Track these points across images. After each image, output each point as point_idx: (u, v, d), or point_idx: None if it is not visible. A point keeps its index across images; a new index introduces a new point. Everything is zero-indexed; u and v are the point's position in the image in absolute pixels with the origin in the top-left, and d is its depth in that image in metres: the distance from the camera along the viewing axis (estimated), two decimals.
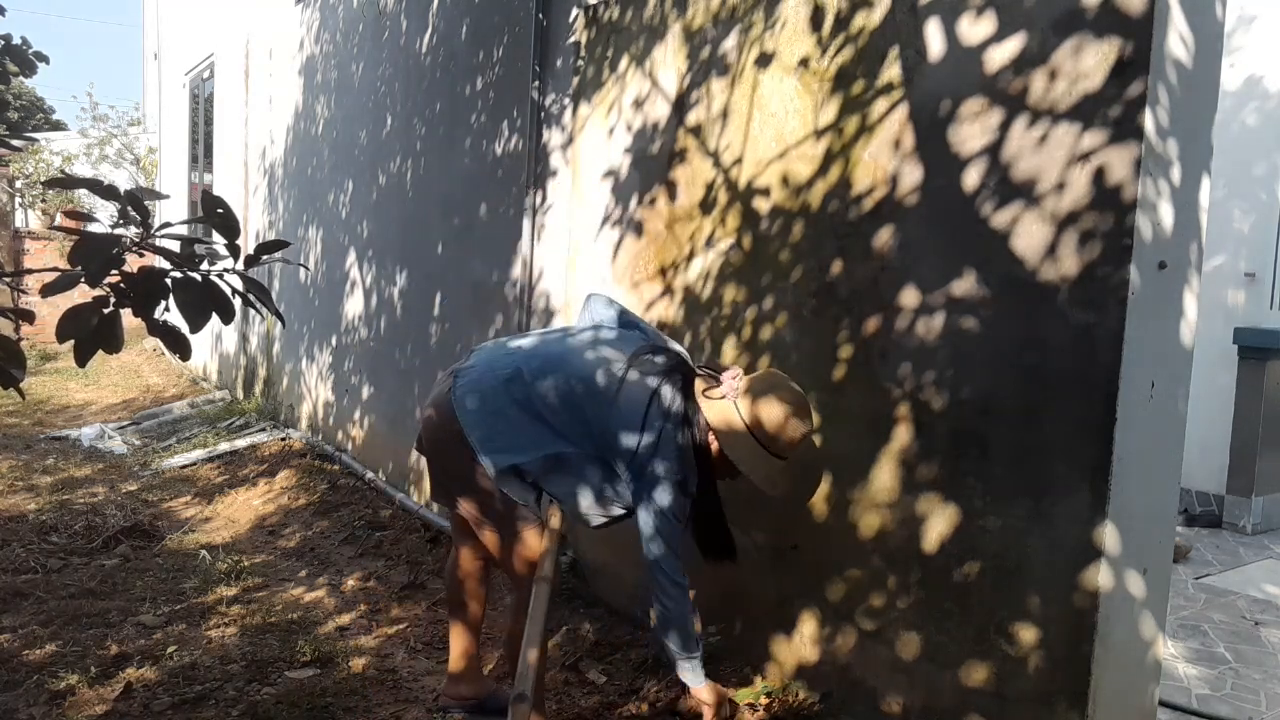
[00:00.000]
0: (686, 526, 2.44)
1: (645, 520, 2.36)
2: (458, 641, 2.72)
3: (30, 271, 1.99)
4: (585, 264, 3.61)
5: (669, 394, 2.41)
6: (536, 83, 3.92)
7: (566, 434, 2.40)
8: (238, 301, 1.82)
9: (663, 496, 2.35)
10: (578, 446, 2.40)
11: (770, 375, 2.47)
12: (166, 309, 1.76)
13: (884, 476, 2.48)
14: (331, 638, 3.30)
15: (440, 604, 3.51)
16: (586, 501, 2.45)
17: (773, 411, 2.36)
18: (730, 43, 2.98)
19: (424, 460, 2.89)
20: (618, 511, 2.49)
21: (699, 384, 2.44)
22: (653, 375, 2.43)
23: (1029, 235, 2.16)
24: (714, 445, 2.42)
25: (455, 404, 2.44)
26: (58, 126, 25.26)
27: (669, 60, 3.23)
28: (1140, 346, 2.03)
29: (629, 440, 2.36)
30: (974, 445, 2.27)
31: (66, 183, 1.80)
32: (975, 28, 2.27)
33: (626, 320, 2.67)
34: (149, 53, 14.34)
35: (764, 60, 2.86)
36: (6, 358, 1.68)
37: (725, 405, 2.39)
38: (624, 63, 3.44)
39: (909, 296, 2.41)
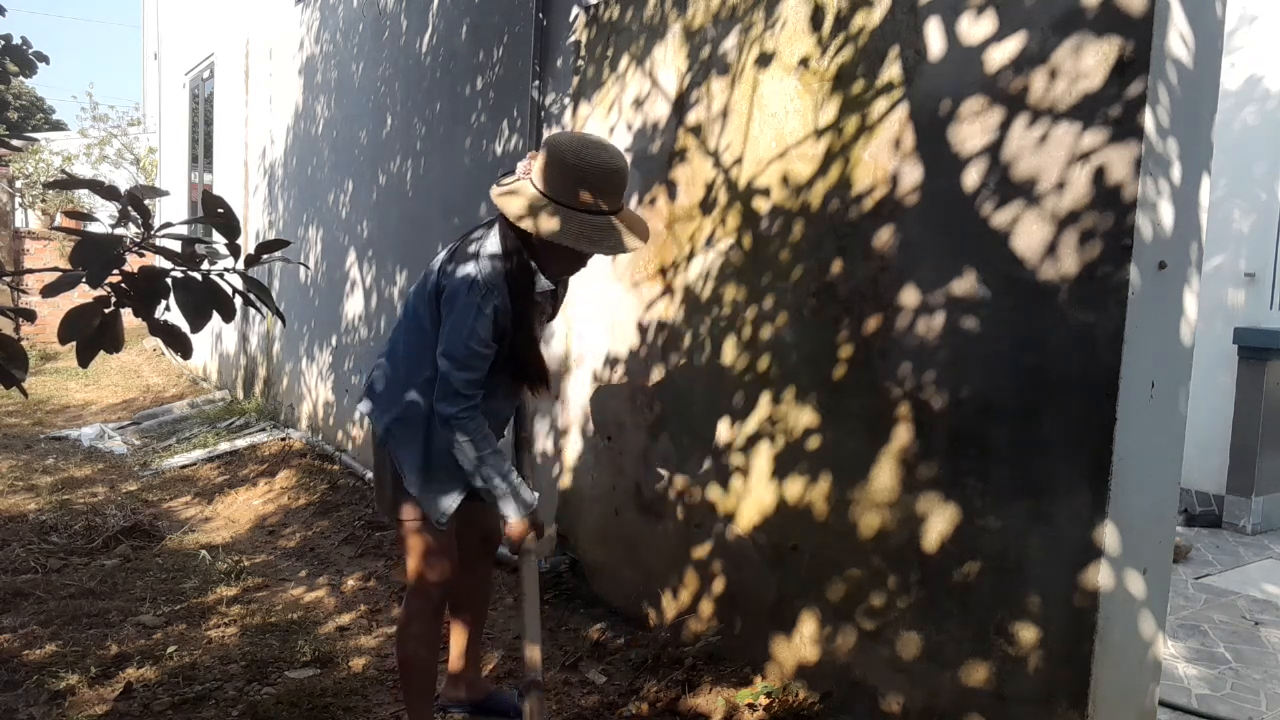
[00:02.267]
0: (491, 354, 2.21)
1: (441, 370, 2.18)
2: (459, 641, 2.72)
3: (30, 271, 1.99)
4: None
5: (464, 246, 2.24)
6: (537, 82, 3.92)
7: (420, 350, 2.26)
8: (238, 301, 1.82)
9: (452, 347, 2.15)
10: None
11: (552, 135, 2.22)
12: (167, 309, 1.77)
13: (884, 476, 2.48)
14: (331, 638, 3.30)
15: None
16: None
17: (551, 161, 2.09)
18: (730, 42, 2.98)
19: None
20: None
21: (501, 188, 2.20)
22: (459, 239, 2.29)
23: (1029, 235, 2.16)
24: (536, 245, 2.17)
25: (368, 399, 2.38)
26: (58, 126, 25.27)
27: (669, 60, 3.23)
28: (1140, 346, 2.03)
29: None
30: (974, 445, 2.27)
31: (67, 183, 1.80)
32: (975, 27, 2.27)
33: None
34: (149, 53, 14.34)
35: (764, 60, 2.86)
36: (8, 358, 1.68)
37: (520, 185, 2.15)
38: (624, 62, 3.45)
39: (909, 296, 2.41)
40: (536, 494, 2.35)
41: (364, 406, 2.41)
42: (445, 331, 2.17)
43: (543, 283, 2.26)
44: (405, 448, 2.30)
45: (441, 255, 2.33)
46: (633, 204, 3.38)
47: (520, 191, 2.14)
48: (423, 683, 2.43)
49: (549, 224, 2.07)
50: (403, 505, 2.33)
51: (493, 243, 2.21)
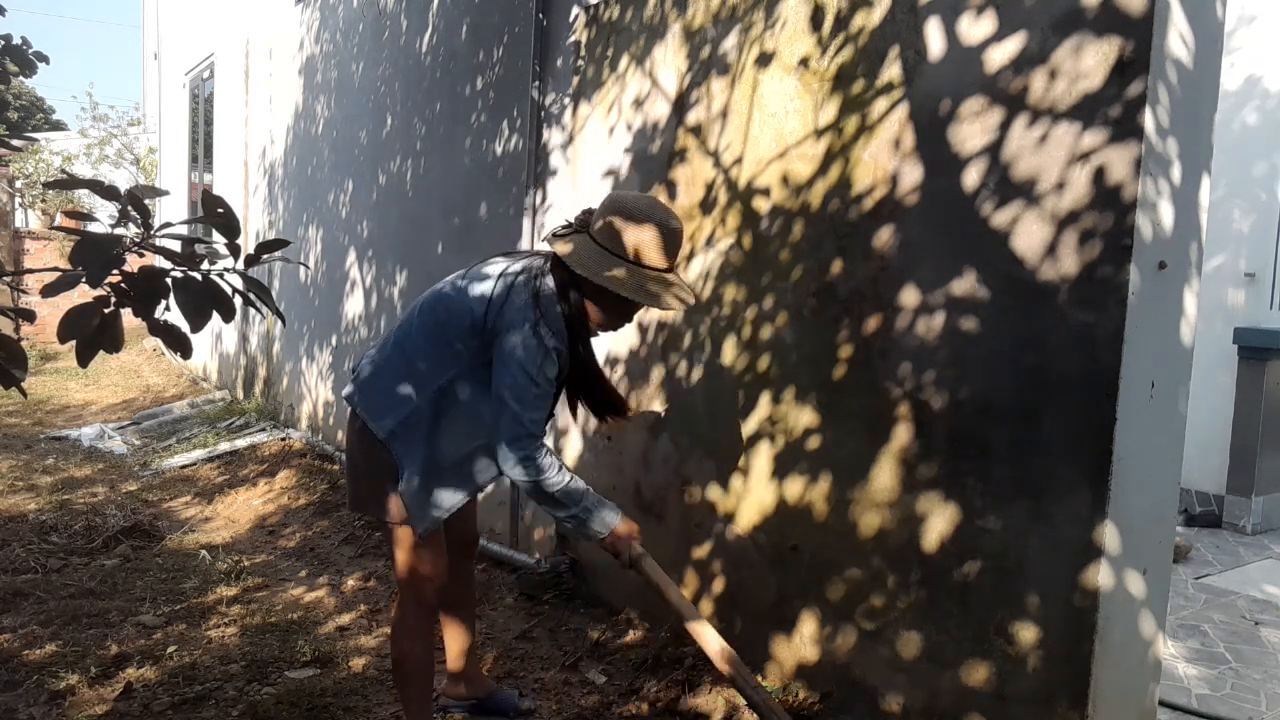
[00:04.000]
0: (554, 405, 2.29)
1: (504, 417, 2.18)
2: (455, 641, 2.73)
3: (30, 271, 1.99)
4: None
5: (519, 282, 2.25)
6: (536, 82, 3.92)
7: (442, 364, 2.26)
8: (238, 301, 1.82)
9: (522, 391, 2.17)
10: (455, 368, 2.26)
11: (618, 195, 2.29)
12: (167, 309, 1.76)
13: (884, 476, 2.48)
14: (331, 638, 3.30)
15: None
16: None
17: (621, 221, 2.18)
18: (730, 42, 2.98)
19: None
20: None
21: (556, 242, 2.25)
22: (505, 274, 2.29)
23: (1029, 235, 2.16)
24: (587, 297, 2.23)
25: (355, 392, 2.35)
26: (58, 126, 25.27)
27: (669, 60, 3.23)
28: (1140, 346, 2.03)
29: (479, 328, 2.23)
30: (974, 445, 2.27)
31: (67, 183, 1.80)
32: (975, 27, 2.27)
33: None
34: (149, 53, 14.33)
35: (764, 60, 2.86)
36: (8, 357, 1.68)
37: (578, 238, 2.21)
38: (624, 62, 3.45)
39: (909, 296, 2.41)
40: (618, 512, 2.33)
41: (349, 391, 2.37)
42: (510, 375, 2.16)
43: (590, 331, 2.32)
44: (408, 454, 2.28)
45: (490, 288, 2.28)
46: None
47: (580, 244, 2.20)
48: (419, 681, 2.43)
49: (612, 274, 2.15)
50: (390, 504, 2.31)
51: (548, 287, 2.23)
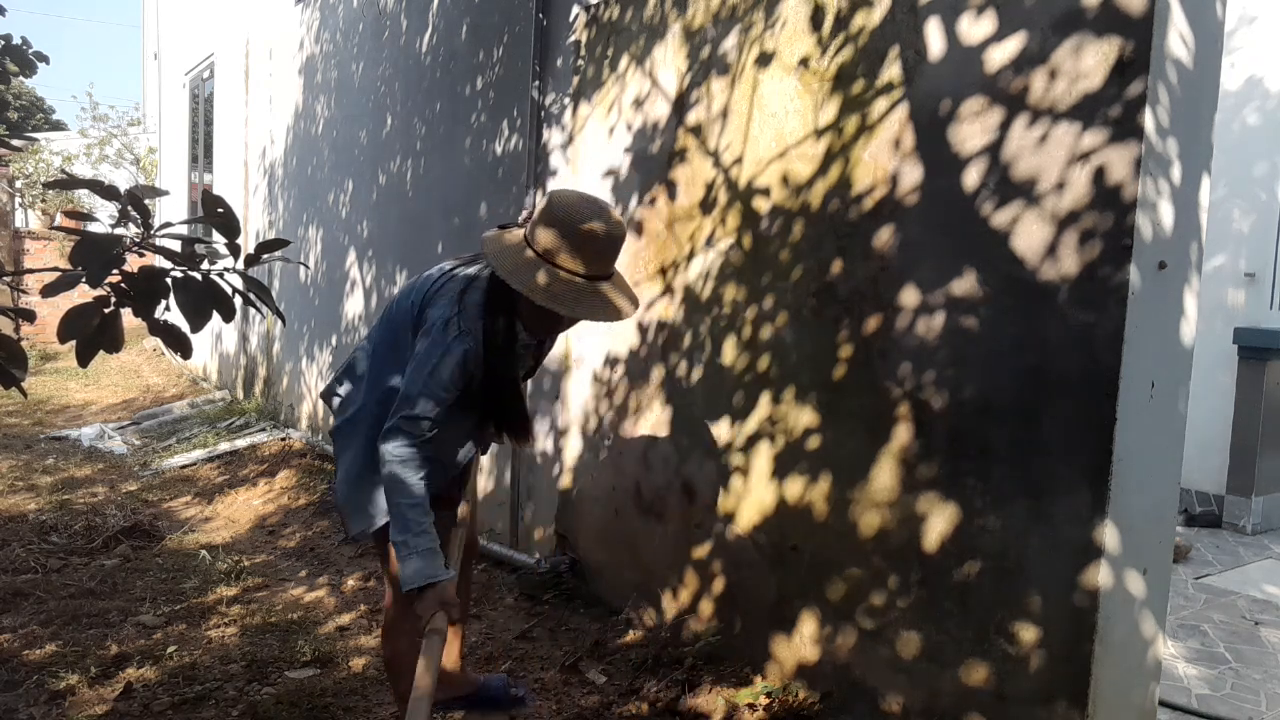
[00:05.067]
0: (453, 395, 2.11)
1: (400, 398, 2.09)
2: (451, 641, 2.74)
3: (30, 271, 1.99)
4: None
5: (453, 280, 2.18)
6: (536, 82, 3.92)
7: (390, 366, 2.22)
8: (238, 301, 1.82)
9: (411, 382, 2.07)
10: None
11: (554, 192, 2.13)
12: (167, 308, 1.77)
13: (884, 476, 2.48)
14: (331, 638, 3.30)
15: None
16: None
17: (547, 222, 2.03)
18: (730, 42, 2.98)
19: None
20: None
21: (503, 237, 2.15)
22: (447, 272, 2.24)
23: (1029, 235, 2.16)
24: (520, 300, 2.11)
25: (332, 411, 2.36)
26: (58, 126, 25.26)
27: (669, 60, 3.23)
28: (1140, 346, 2.03)
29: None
30: (974, 445, 2.27)
31: (67, 183, 1.80)
32: (975, 27, 2.27)
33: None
34: (149, 53, 14.33)
35: (764, 60, 2.86)
36: (8, 357, 1.69)
37: (513, 235, 2.11)
38: (624, 62, 3.45)
39: (909, 296, 2.41)
40: (452, 573, 2.10)
41: (330, 390, 2.38)
42: (412, 365, 2.09)
43: (523, 336, 2.22)
44: (345, 452, 2.25)
45: (432, 276, 2.27)
46: (633, 204, 3.39)
47: (511, 243, 2.10)
48: (410, 677, 2.44)
49: (531, 282, 2.01)
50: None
51: (478, 286, 2.15)
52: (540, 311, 2.09)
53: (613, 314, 2.08)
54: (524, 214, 2.20)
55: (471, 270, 2.21)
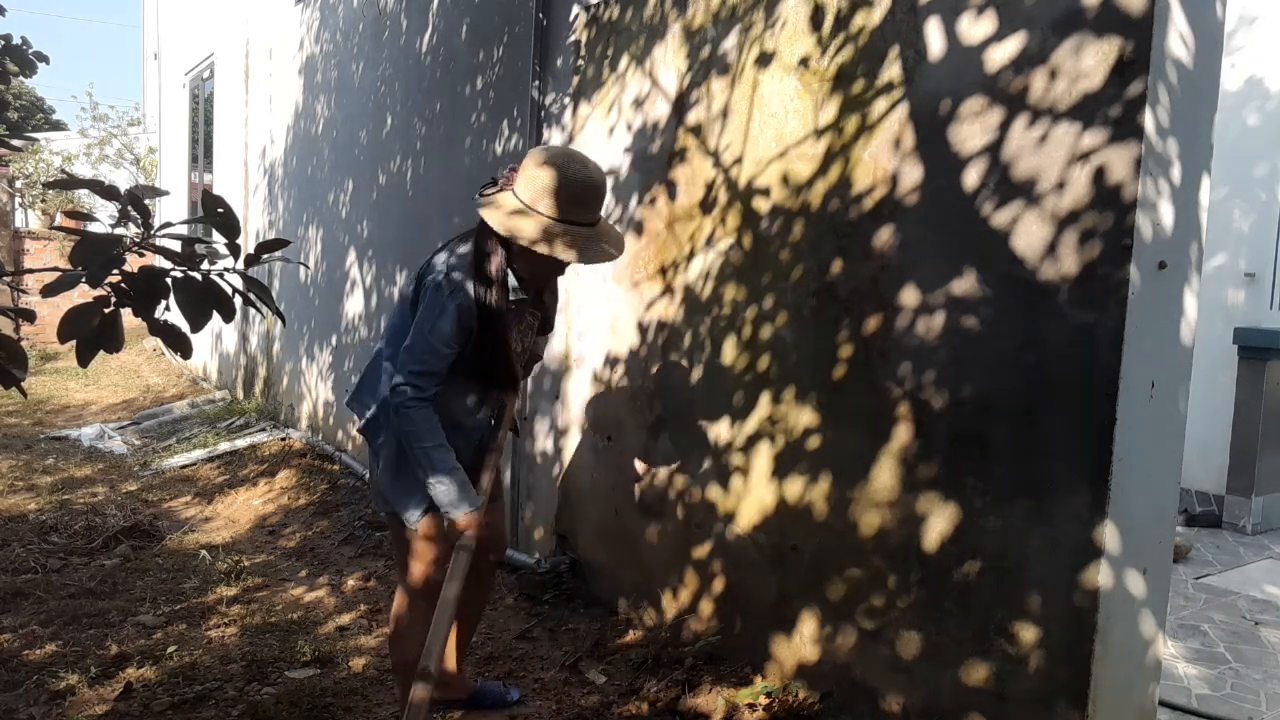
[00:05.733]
0: (453, 350, 2.25)
1: (398, 359, 2.24)
2: (452, 641, 2.74)
3: (30, 271, 1.99)
4: None
5: (446, 248, 2.32)
6: (536, 82, 3.92)
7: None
8: (238, 301, 1.82)
9: (413, 340, 2.22)
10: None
11: (535, 149, 2.28)
12: (167, 308, 1.76)
13: (884, 476, 2.48)
14: (331, 638, 3.30)
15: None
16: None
17: (533, 173, 2.18)
18: (730, 42, 2.98)
19: None
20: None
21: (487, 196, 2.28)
22: (442, 247, 2.36)
23: (1029, 235, 2.16)
24: (516, 253, 2.25)
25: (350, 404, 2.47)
26: (58, 126, 25.25)
27: (669, 60, 3.23)
28: (1140, 346, 2.04)
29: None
30: (974, 445, 2.27)
31: (67, 183, 1.80)
32: (975, 27, 2.27)
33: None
34: (149, 53, 14.33)
35: (764, 60, 2.86)
36: (8, 357, 1.68)
37: (501, 195, 2.24)
38: (624, 62, 3.45)
39: (909, 296, 2.41)
40: (481, 498, 2.30)
41: (349, 399, 2.49)
42: (413, 328, 2.22)
43: (517, 290, 2.32)
44: (381, 447, 2.35)
45: (424, 265, 2.38)
46: (633, 204, 3.39)
47: (500, 201, 2.21)
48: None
49: (526, 230, 2.15)
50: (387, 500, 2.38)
51: (467, 247, 2.27)
52: (534, 260, 2.23)
53: (600, 255, 2.22)
54: (502, 177, 2.32)
55: (455, 239, 2.34)
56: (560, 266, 2.31)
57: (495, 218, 2.18)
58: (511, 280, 2.30)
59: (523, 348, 2.46)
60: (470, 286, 2.22)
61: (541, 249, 2.15)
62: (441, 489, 2.20)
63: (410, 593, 2.42)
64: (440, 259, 2.28)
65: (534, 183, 2.17)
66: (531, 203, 2.17)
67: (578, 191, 2.18)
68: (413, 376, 2.19)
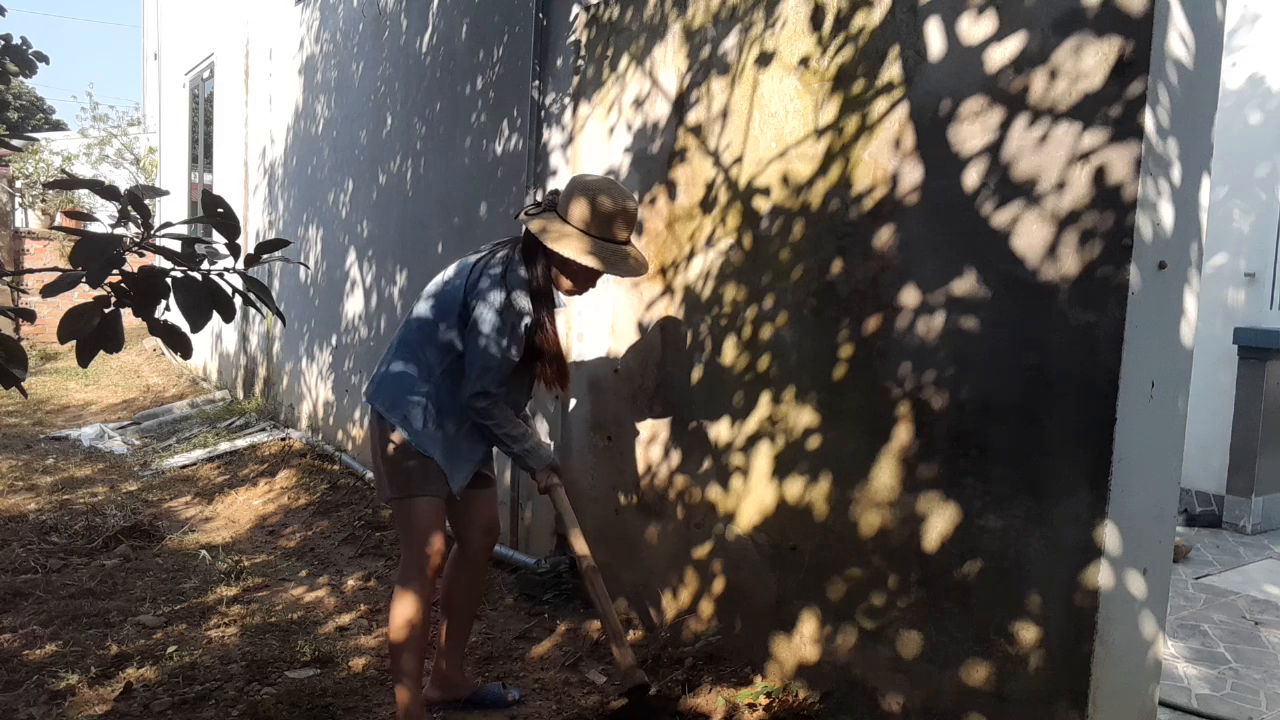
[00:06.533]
0: (515, 363, 2.53)
1: (470, 374, 2.49)
2: (450, 635, 2.76)
3: (30, 271, 1.99)
4: None
5: (493, 261, 2.55)
6: (536, 82, 3.92)
7: (441, 352, 2.55)
8: (238, 301, 1.82)
9: (488, 360, 2.46)
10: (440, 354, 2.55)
11: (579, 177, 2.63)
12: (167, 308, 1.76)
13: (884, 476, 2.48)
14: (331, 638, 3.30)
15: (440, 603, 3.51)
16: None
17: (580, 199, 2.51)
18: (730, 42, 2.98)
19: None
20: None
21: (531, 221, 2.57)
22: (479, 260, 2.59)
23: (1029, 235, 2.16)
24: (557, 266, 2.56)
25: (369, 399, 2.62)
26: (58, 126, 25.24)
27: (669, 60, 3.23)
28: (1140, 346, 2.03)
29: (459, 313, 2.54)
30: (974, 445, 2.27)
31: (67, 183, 1.79)
32: (975, 27, 2.27)
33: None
34: (149, 53, 14.33)
35: (764, 60, 2.86)
36: (8, 357, 1.68)
37: (546, 215, 2.55)
38: (624, 62, 3.45)
39: (909, 296, 2.41)
40: (551, 445, 2.75)
41: (370, 392, 2.62)
42: (481, 345, 2.46)
43: (560, 299, 2.72)
44: (426, 429, 2.52)
45: (463, 272, 2.57)
46: None
47: (550, 221, 2.52)
48: (414, 660, 2.53)
49: (579, 248, 2.47)
50: (400, 482, 2.52)
51: (520, 266, 2.53)
52: (574, 273, 2.56)
53: (637, 269, 2.59)
54: (529, 202, 2.68)
55: (501, 254, 2.58)
56: (593, 281, 2.62)
57: (548, 235, 2.47)
58: (560, 298, 2.70)
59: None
60: (528, 304, 2.50)
61: (593, 265, 2.49)
62: (527, 455, 2.59)
63: (411, 578, 2.50)
64: (501, 284, 2.48)
65: (585, 208, 2.50)
66: (582, 225, 2.50)
67: (622, 216, 2.54)
68: (487, 387, 2.48)
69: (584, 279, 2.59)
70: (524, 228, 2.55)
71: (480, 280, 2.50)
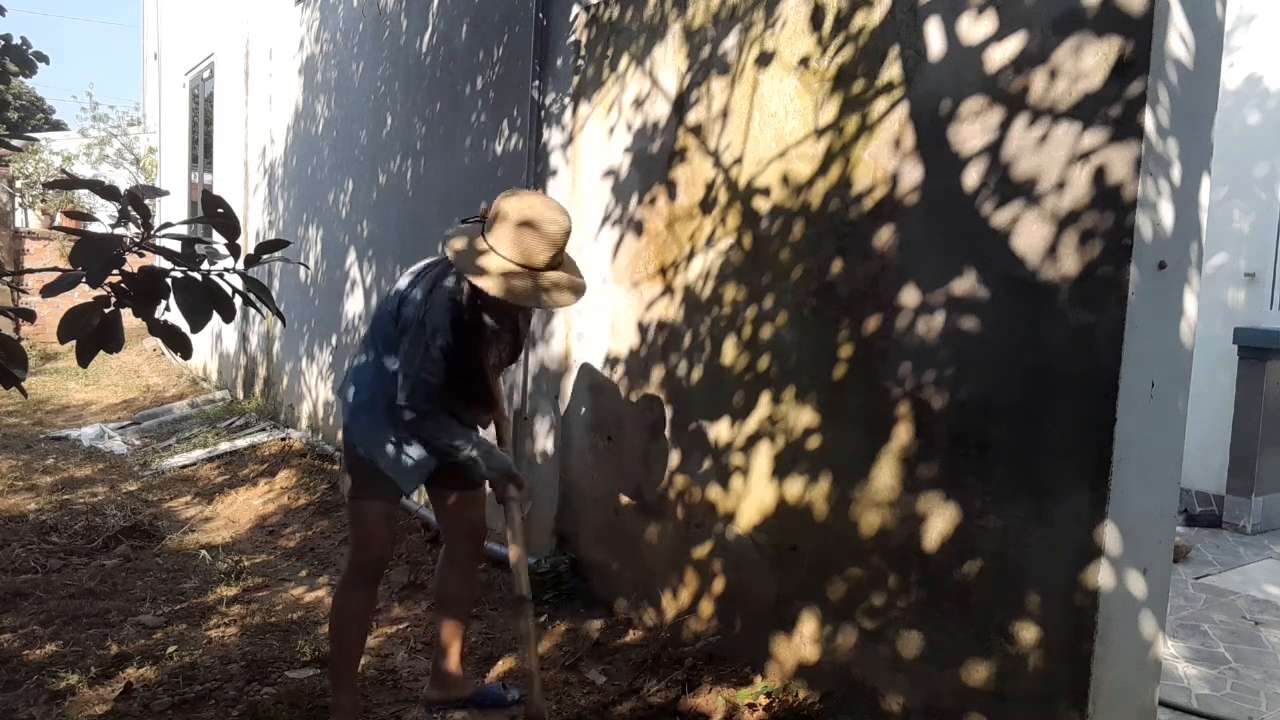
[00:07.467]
0: (440, 379, 2.43)
1: (397, 385, 2.42)
2: (445, 637, 2.76)
3: (30, 271, 1.99)
4: (585, 263, 3.60)
5: (427, 276, 2.46)
6: (536, 82, 3.92)
7: (390, 354, 2.50)
8: (238, 301, 1.82)
9: (410, 359, 2.38)
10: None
11: (506, 195, 2.39)
12: (167, 308, 1.76)
13: (884, 476, 2.48)
14: None
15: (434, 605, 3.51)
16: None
17: (501, 224, 2.32)
18: (730, 42, 2.98)
19: None
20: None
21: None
22: (420, 271, 2.53)
23: (1029, 235, 2.16)
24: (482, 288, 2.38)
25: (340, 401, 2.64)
26: (58, 126, 25.23)
27: (669, 60, 3.23)
28: (1140, 346, 2.03)
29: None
30: (974, 445, 2.27)
31: (67, 183, 1.80)
32: (975, 27, 2.27)
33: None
34: (149, 53, 14.32)
35: (764, 60, 2.86)
36: (8, 357, 1.68)
37: (472, 230, 2.39)
38: (624, 62, 3.44)
39: (909, 296, 2.41)
40: (509, 457, 2.59)
41: (337, 390, 2.67)
42: (402, 356, 2.40)
43: (490, 323, 2.50)
44: (376, 426, 2.50)
45: (413, 278, 2.53)
46: (633, 204, 3.39)
47: (471, 240, 2.36)
48: (349, 644, 2.60)
49: (482, 274, 2.29)
50: (349, 481, 2.59)
51: (448, 281, 2.41)
52: (490, 302, 2.40)
53: (558, 300, 2.36)
54: (482, 207, 2.45)
55: (440, 266, 2.48)
56: (521, 309, 2.50)
57: (465, 264, 2.31)
58: (488, 321, 2.49)
59: (498, 365, 2.66)
60: (443, 324, 2.36)
61: (495, 294, 2.28)
62: (477, 460, 2.43)
63: (348, 576, 2.59)
64: (425, 297, 2.40)
65: (501, 231, 2.31)
66: (497, 249, 2.31)
67: (538, 240, 2.30)
68: (415, 398, 2.38)
69: (502, 305, 2.42)
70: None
71: (413, 291, 2.43)
